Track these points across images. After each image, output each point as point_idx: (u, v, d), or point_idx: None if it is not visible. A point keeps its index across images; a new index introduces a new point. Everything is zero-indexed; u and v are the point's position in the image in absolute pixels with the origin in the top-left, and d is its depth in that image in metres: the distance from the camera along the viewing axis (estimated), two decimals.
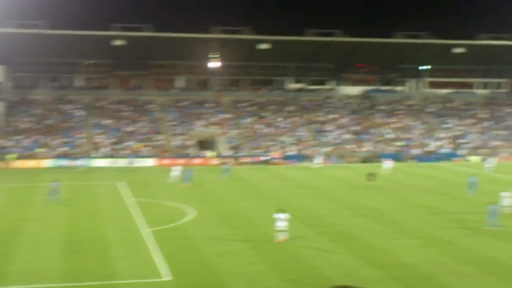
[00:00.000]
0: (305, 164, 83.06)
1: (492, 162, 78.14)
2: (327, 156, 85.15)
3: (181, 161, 79.38)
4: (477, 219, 43.20)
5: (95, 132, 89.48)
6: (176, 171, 64.35)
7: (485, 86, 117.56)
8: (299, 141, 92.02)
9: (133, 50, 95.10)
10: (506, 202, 46.30)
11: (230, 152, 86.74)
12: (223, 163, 75.30)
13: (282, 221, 36.65)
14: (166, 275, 29.96)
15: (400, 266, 31.83)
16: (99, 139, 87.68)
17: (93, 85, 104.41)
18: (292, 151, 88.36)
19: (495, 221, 41.00)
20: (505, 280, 29.62)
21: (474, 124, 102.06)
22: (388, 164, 75.30)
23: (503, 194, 46.86)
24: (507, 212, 45.35)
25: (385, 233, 39.83)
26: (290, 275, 30.18)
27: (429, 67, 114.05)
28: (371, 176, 61.76)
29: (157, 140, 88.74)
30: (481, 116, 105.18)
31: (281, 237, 36.68)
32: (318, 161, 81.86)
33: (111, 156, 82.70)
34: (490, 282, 29.32)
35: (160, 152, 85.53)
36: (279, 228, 36.69)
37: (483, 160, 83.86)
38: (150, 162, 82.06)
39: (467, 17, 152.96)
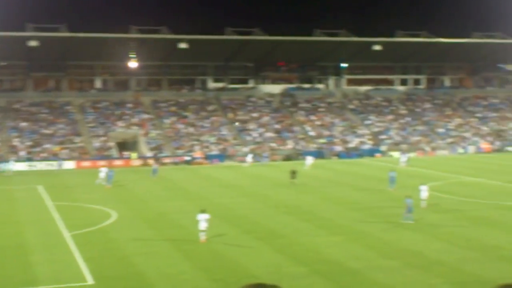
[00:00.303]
0: (236, 163, 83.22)
1: (406, 156, 79.95)
2: (254, 154, 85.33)
3: (102, 163, 78.32)
4: (398, 213, 44.11)
5: (11, 135, 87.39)
6: (102, 172, 63.45)
7: (403, 82, 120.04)
8: (222, 140, 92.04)
9: (49, 51, 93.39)
10: (424, 195, 47.57)
11: (152, 153, 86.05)
12: (153, 163, 75.06)
13: (203, 221, 36.69)
14: (89, 279, 29.52)
15: (325, 262, 32.21)
16: (15, 142, 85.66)
17: (8, 87, 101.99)
18: (214, 150, 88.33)
19: (410, 215, 42.02)
20: (427, 272, 30.25)
21: (394, 120, 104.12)
22: (309, 160, 76.30)
23: (422, 187, 48.09)
24: (425, 206, 46.67)
25: (310, 229, 40.23)
26: (216, 274, 30.16)
27: (348, 64, 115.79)
28: (293, 173, 62.41)
29: (77, 142, 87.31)
30: (400, 112, 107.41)
31: (203, 237, 36.79)
32: (249, 159, 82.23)
33: (29, 160, 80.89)
34: (413, 275, 29.91)
35: (80, 154, 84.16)
36: (202, 229, 36.75)
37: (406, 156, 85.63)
38: (69, 164, 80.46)
39: (385, 15, 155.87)
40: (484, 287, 26.21)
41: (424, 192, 47.67)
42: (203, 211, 37.28)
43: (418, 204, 46.01)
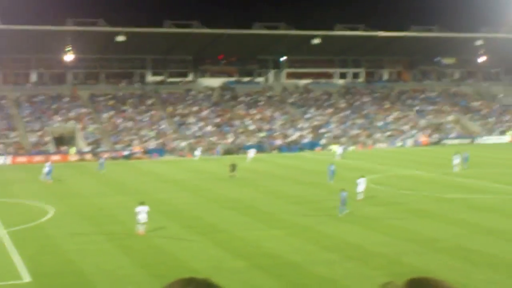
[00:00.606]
0: (176, 157, 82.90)
1: (341, 149, 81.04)
2: (194, 149, 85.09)
3: (39, 158, 77.11)
4: (337, 206, 44.61)
5: None
6: (47, 168, 62.36)
7: (343, 76, 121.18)
8: (161, 134, 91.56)
9: None
10: (360, 188, 48.26)
11: (89, 148, 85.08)
12: (100, 157, 74.32)
13: (142, 213, 36.87)
14: (25, 277, 29.07)
15: (266, 256, 32.36)
16: None
17: None
18: (154, 145, 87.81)
19: (344, 207, 42.61)
20: (367, 265, 30.65)
21: (334, 113, 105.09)
22: (251, 153, 76.62)
23: (359, 180, 48.74)
24: (361, 198, 47.47)
25: (250, 224, 40.37)
26: (156, 270, 30.03)
27: (287, 58, 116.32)
28: (233, 167, 62.50)
29: (12, 137, 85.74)
30: (340, 105, 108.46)
31: (141, 229, 36.90)
32: (198, 153, 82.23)
33: None
34: (353, 268, 30.27)
35: (16, 149, 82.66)
36: (140, 221, 36.91)
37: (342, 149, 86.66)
38: (5, 160, 78.87)
39: (324, 9, 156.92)
40: None
41: (361, 185, 48.28)
42: (142, 203, 37.46)
43: (355, 197, 46.75)
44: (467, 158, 68.15)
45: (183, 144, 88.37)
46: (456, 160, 65.17)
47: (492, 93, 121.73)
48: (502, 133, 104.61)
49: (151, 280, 28.55)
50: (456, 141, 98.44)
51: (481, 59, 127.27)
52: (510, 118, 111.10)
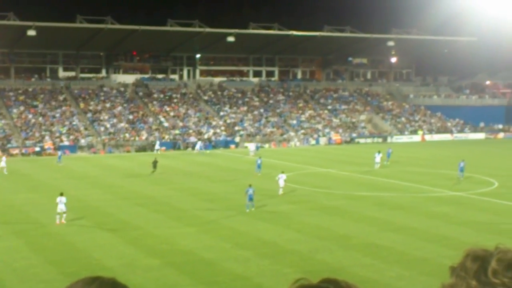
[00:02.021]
0: (88, 154, 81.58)
1: (254, 147, 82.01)
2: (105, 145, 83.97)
3: None
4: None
5: None
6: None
7: (257, 74, 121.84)
8: (73, 130, 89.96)
9: None
10: (281, 183, 49.09)
11: None
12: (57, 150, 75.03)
13: (60, 204, 38.00)
14: None
15: (179, 253, 32.20)
16: None
17: None
18: (66, 141, 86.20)
19: (251, 203, 43.15)
20: (280, 262, 30.81)
21: (248, 111, 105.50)
22: (252, 147, 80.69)
23: (279, 176, 49.63)
24: (281, 193, 47.94)
25: (164, 221, 40.09)
26: (67, 268, 29.44)
27: (201, 55, 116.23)
28: (154, 164, 62.36)
29: None
30: (254, 103, 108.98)
31: (58, 220, 37.75)
32: (158, 147, 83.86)
33: None
34: (267, 265, 30.33)
35: None
36: (60, 211, 37.86)
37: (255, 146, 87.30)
38: None
39: (238, 7, 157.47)
40: (334, 275, 27.02)
41: (281, 180, 49.45)
42: (61, 194, 38.57)
43: (271, 194, 47.09)
44: (389, 154, 70.64)
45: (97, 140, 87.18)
46: (378, 158, 66.71)
47: (403, 93, 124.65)
48: (413, 132, 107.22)
49: (62, 278, 27.96)
50: (369, 140, 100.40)
51: (393, 59, 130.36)
52: (420, 117, 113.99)
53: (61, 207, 38.35)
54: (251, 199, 43.25)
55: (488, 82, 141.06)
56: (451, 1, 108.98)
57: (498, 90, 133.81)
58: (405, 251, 32.55)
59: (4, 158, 67.88)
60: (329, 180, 58.50)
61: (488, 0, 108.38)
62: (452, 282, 2.54)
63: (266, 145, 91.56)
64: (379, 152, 67.93)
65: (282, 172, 50.82)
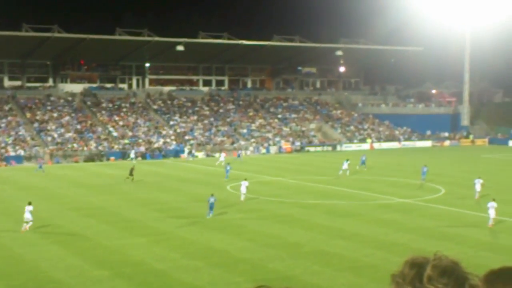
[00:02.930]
0: (33, 164, 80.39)
1: (223, 156, 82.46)
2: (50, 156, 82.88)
3: None
4: (203, 213, 44.76)
5: None
6: None
7: (207, 83, 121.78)
8: (20, 141, 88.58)
9: None
10: (243, 190, 50.14)
11: None
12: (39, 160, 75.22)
13: (27, 212, 39.36)
14: None
15: (129, 264, 31.93)
16: None
17: None
18: (14, 151, 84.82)
19: (211, 211, 43.68)
20: (232, 271, 30.77)
21: (198, 120, 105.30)
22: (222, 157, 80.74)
23: (242, 182, 50.99)
24: (243, 199, 48.58)
25: (114, 232, 39.72)
26: (14, 280, 28.96)
27: (151, 64, 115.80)
28: (131, 171, 63.56)
29: None
30: (204, 112, 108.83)
31: (24, 227, 39.11)
32: (134, 155, 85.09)
33: None
34: (218, 274, 30.24)
35: None
36: (26, 220, 39.25)
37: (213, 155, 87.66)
38: None
39: (188, 17, 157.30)
40: (286, 283, 27.11)
41: (243, 186, 51.03)
42: (29, 203, 39.64)
43: (221, 204, 47.06)
44: (363, 161, 73.30)
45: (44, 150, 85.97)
46: (345, 165, 67.56)
47: (351, 102, 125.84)
48: (362, 140, 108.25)
49: None
50: (319, 149, 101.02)
51: (341, 69, 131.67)
52: (369, 126, 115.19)
53: (26, 216, 39.27)
54: (211, 207, 44.04)
55: (434, 91, 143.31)
56: (398, 12, 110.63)
57: (443, 99, 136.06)
58: (356, 258, 32.83)
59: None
60: (279, 189, 58.63)
61: (434, 11, 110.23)
62: None
63: (217, 154, 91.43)
64: (347, 159, 68.77)
65: (245, 179, 52.32)
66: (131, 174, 63.25)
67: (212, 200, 44.27)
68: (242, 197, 51.03)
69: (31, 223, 39.46)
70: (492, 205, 40.88)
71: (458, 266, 2.64)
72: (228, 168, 65.94)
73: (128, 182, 61.93)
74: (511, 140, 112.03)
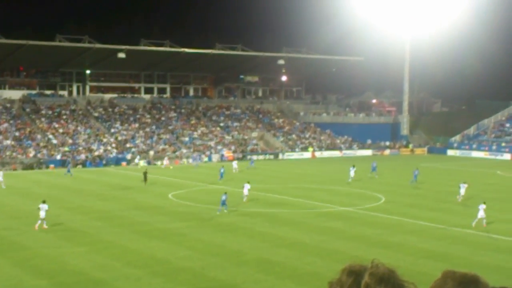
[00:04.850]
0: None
1: (196, 160, 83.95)
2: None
3: None
4: (144, 221, 44.49)
5: None
6: None
7: (149, 91, 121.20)
8: None
9: None
10: (245, 192, 53.61)
11: None
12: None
13: (43, 210, 42.22)
14: None
15: (69, 273, 31.55)
16: None
17: None
18: None
19: (222, 207, 46.88)
20: (172, 280, 30.65)
21: (140, 128, 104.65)
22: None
23: (245, 185, 54.49)
24: (245, 201, 47.58)
25: (53, 241, 39.19)
26: None
27: (91, 71, 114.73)
28: (145, 175, 66.36)
29: None
30: (146, 120, 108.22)
31: (37, 224, 41.96)
32: (137, 160, 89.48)
33: None
34: (159, 284, 30.11)
35: None
36: (42, 217, 42.20)
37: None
38: None
39: (129, 24, 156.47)
40: None
41: (245, 189, 54.93)
42: (43, 202, 43.14)
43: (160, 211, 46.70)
44: (375, 167, 75.62)
45: None
46: (352, 172, 69.62)
47: (293, 111, 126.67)
48: (304, 149, 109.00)
49: None
50: (261, 157, 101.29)
51: (283, 78, 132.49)
52: (310, 135, 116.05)
53: (41, 214, 42.16)
54: (223, 204, 48.85)
55: (374, 101, 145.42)
56: (340, 22, 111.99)
57: (384, 108, 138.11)
58: (298, 266, 33.01)
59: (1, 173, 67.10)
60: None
61: (375, 22, 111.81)
62: None
63: (159, 163, 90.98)
64: (353, 166, 70.60)
65: (248, 182, 55.61)
66: (145, 178, 65.88)
67: (224, 197, 48.86)
68: (245, 199, 54.45)
69: (45, 221, 42.40)
70: (482, 207, 43.71)
71: (394, 273, 2.69)
72: (222, 170, 69.66)
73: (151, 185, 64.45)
74: (449, 150, 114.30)
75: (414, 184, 66.97)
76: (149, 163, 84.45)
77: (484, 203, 44.70)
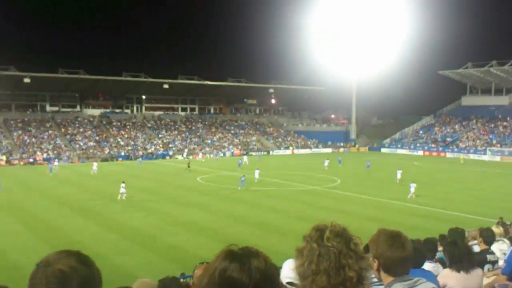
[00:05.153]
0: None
1: (246, 158, 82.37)
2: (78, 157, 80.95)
3: None
4: (181, 195, 44.01)
5: None
6: None
7: (184, 109, 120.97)
8: (57, 147, 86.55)
9: None
10: (256, 176, 48.11)
11: (4, 156, 78.58)
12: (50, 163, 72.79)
13: (122, 188, 41.58)
14: None
15: (132, 230, 31.01)
16: None
17: None
18: (53, 155, 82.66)
19: (242, 185, 42.29)
20: (200, 234, 30.16)
21: (178, 134, 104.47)
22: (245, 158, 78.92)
23: (255, 171, 52.85)
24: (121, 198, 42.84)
25: (122, 208, 38.46)
26: None
27: (146, 96, 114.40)
28: (188, 165, 66.50)
29: None
30: (182, 129, 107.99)
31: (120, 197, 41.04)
32: (185, 154, 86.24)
33: None
34: (191, 236, 29.59)
35: None
36: (121, 192, 41.30)
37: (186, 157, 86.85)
38: None
39: (171, 64, 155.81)
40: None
41: (256, 174, 54.54)
42: (123, 182, 42.51)
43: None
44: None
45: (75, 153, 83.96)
46: (326, 163, 69.63)
47: (280, 123, 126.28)
48: (286, 148, 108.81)
49: None
50: (259, 153, 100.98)
51: (273, 100, 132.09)
52: (291, 138, 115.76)
53: (121, 190, 41.41)
54: (242, 182, 48.46)
55: (333, 116, 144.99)
56: (309, 63, 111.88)
57: (339, 121, 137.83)
58: (283, 225, 32.89)
59: (95, 163, 66.12)
60: (232, 180, 58.21)
61: (332, 62, 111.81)
62: (302, 245, 2.78)
63: (191, 157, 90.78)
64: (327, 159, 72.28)
65: (257, 168, 55.92)
66: (188, 166, 66.19)
67: (243, 178, 48.89)
68: (256, 180, 53.46)
69: (125, 195, 41.13)
70: (413, 185, 43.58)
71: (346, 231, 2.74)
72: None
73: (186, 172, 63.69)
74: (382, 148, 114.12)
75: (369, 171, 66.19)
76: (188, 157, 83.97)
77: (414, 182, 44.40)
